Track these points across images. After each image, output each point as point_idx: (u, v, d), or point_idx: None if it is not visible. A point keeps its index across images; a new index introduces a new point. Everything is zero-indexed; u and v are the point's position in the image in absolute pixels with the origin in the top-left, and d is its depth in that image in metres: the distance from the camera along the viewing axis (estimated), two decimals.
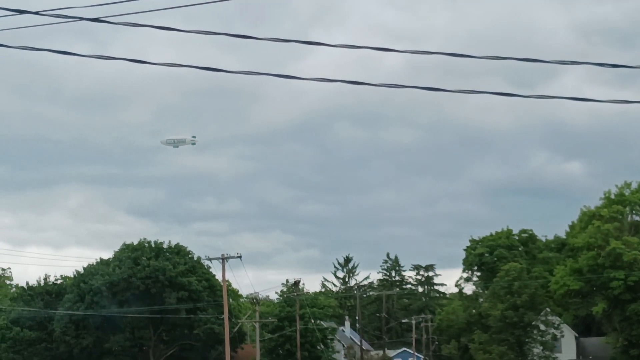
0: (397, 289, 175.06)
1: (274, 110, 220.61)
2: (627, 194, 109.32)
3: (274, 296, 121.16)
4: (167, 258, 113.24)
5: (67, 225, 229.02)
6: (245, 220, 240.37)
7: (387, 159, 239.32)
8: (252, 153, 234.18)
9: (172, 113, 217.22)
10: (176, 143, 63.49)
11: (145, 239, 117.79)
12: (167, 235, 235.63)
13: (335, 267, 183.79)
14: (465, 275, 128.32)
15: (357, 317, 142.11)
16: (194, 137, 63.44)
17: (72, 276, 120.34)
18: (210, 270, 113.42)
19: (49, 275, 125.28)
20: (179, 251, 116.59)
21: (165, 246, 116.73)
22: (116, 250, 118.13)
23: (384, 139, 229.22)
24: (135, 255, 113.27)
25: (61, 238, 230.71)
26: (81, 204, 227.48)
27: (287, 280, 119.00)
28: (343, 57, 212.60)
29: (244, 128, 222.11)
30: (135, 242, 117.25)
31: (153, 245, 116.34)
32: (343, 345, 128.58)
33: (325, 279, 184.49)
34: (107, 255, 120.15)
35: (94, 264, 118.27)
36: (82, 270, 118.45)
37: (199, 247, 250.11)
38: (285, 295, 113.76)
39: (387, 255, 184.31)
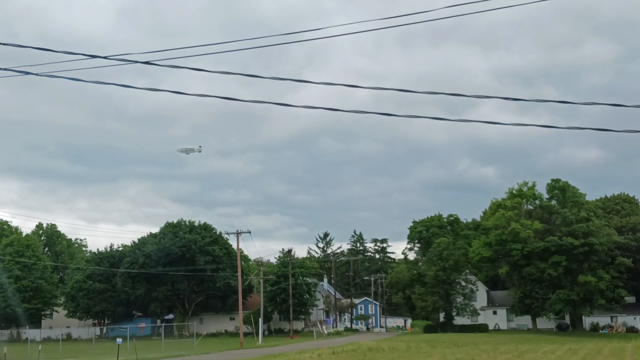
0: (361, 256, 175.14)
1: (276, 128, 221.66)
2: (524, 190, 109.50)
3: (273, 260, 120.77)
4: (197, 233, 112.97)
5: (127, 208, 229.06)
6: (254, 206, 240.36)
7: (356, 164, 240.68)
8: (260, 158, 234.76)
9: (204, 130, 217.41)
10: (187, 151, 62.39)
11: (182, 219, 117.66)
12: (198, 216, 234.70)
13: (317, 239, 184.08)
14: (409, 246, 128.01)
15: (332, 275, 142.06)
16: (200, 146, 62.54)
17: (130, 245, 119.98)
18: (228, 241, 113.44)
19: (113, 245, 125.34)
20: (206, 228, 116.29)
21: (196, 224, 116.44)
22: (161, 226, 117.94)
23: (355, 149, 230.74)
24: (175, 231, 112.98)
25: (123, 218, 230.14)
26: (137, 194, 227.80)
27: (283, 249, 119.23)
28: (326, 90, 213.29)
29: (255, 141, 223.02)
30: (175, 221, 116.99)
31: (188, 224, 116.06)
32: (322, 295, 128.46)
33: (310, 248, 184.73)
34: (155, 230, 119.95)
35: (146, 236, 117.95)
36: (137, 241, 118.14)
37: (221, 225, 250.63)
38: (281, 260, 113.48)
39: (354, 231, 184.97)
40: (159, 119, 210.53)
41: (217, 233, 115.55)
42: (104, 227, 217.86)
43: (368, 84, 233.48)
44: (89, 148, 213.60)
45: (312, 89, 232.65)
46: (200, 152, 61.30)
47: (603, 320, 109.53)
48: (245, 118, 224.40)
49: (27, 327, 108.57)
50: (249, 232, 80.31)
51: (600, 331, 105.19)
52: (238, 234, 79.74)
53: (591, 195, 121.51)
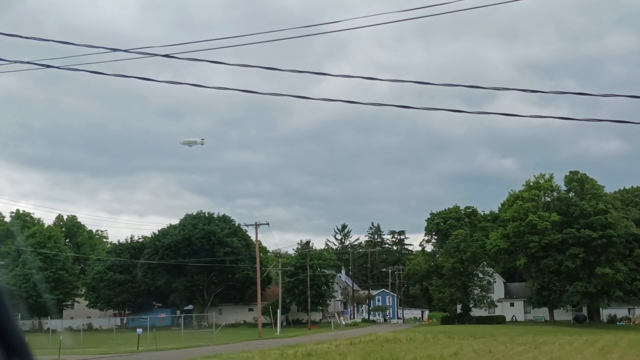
0: (378, 248, 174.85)
1: (297, 121, 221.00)
2: (541, 182, 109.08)
3: (292, 252, 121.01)
4: (216, 224, 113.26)
5: (149, 200, 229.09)
6: (274, 198, 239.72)
7: (375, 156, 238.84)
8: (280, 150, 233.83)
9: (225, 122, 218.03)
10: (190, 143, 61.60)
11: (201, 210, 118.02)
12: (218, 208, 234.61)
13: (335, 231, 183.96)
14: (426, 238, 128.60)
15: (350, 267, 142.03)
16: (202, 139, 61.65)
17: (150, 236, 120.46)
18: (247, 233, 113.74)
19: (134, 236, 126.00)
20: (225, 219, 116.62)
21: (215, 216, 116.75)
22: (181, 218, 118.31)
23: (374, 142, 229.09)
24: (194, 222, 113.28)
25: (144, 209, 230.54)
26: (159, 185, 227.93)
27: (301, 241, 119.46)
28: (347, 83, 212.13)
29: (275, 133, 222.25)
30: (195, 213, 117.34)
31: (207, 215, 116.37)
32: (340, 287, 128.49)
33: (328, 240, 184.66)
34: (175, 221, 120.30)
35: (166, 228, 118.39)
36: (157, 232, 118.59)
37: (241, 217, 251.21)
38: (300, 251, 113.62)
39: (372, 223, 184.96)
40: (182, 111, 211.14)
41: (236, 225, 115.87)
42: (125, 219, 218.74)
43: (388, 76, 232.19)
44: (112, 141, 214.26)
45: (333, 82, 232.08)
46: (202, 144, 60.72)
47: (620, 312, 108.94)
48: (266, 110, 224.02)
49: (49, 317, 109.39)
50: (268, 224, 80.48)
51: (617, 323, 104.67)
52: (257, 225, 79.87)
53: (610, 187, 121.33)
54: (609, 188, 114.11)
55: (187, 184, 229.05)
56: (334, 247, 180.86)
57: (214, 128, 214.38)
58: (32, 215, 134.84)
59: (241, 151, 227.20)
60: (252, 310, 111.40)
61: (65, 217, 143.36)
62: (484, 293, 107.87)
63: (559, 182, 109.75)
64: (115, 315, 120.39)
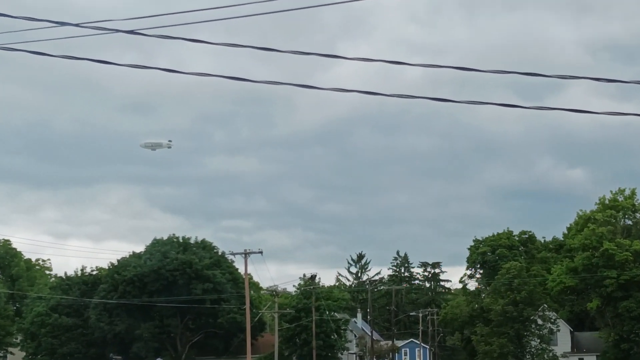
0: (406, 284, 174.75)
1: (301, 118, 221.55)
2: (620, 199, 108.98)
3: (292, 289, 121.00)
4: (193, 252, 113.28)
5: (106, 220, 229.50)
6: (270, 218, 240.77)
7: (402, 163, 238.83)
8: (279, 156, 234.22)
9: (209, 119, 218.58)
10: (154, 147, 61.53)
11: (174, 234, 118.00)
12: (198, 231, 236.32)
13: (349, 263, 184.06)
14: (468, 272, 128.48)
15: (368, 310, 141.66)
16: (169, 141, 61.67)
17: (107, 268, 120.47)
18: (234, 264, 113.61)
19: (86, 267, 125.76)
20: (204, 246, 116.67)
21: (192, 241, 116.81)
22: (147, 244, 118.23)
23: (401, 145, 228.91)
24: (165, 250, 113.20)
25: (100, 232, 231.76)
26: (120, 201, 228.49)
27: (304, 275, 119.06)
28: (367, 68, 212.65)
29: (273, 133, 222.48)
30: (165, 238, 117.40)
31: (181, 241, 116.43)
32: (355, 336, 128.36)
33: (340, 274, 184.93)
34: (140, 249, 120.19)
35: (128, 257, 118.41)
36: (116, 263, 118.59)
37: (226, 243, 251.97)
38: (302, 289, 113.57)
39: (397, 252, 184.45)
40: (151, 104, 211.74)
41: (220, 253, 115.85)
42: (75, 245, 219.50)
43: (421, 60, 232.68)
44: (60, 142, 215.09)
45: (349, 66, 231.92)
46: (169, 147, 61.02)
47: None
48: (261, 104, 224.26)
49: None
50: (261, 253, 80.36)
51: None
52: (246, 254, 79.79)
53: None
54: None
55: (157, 200, 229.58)
56: (348, 283, 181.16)
57: (193, 126, 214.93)
58: None
59: (228, 156, 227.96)
60: None
61: None
62: (544, 345, 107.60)
63: None
64: None
